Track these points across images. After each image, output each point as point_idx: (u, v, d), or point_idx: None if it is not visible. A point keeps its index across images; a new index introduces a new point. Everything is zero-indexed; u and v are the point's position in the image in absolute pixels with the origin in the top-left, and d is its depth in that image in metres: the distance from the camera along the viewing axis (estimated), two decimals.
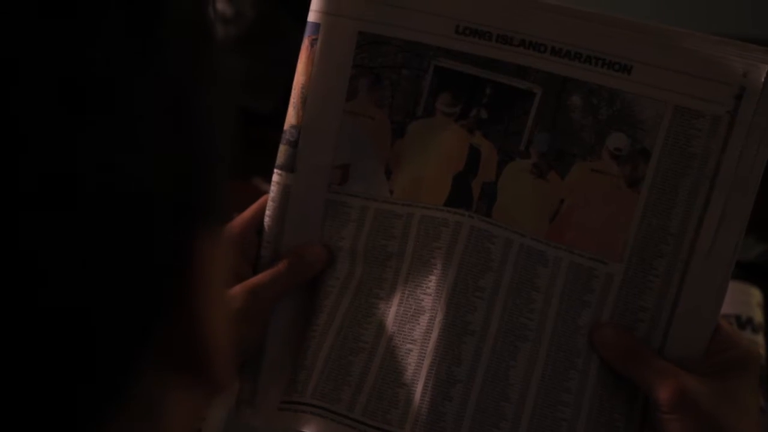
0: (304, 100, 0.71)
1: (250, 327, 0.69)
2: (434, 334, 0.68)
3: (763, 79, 0.65)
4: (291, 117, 0.72)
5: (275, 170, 0.71)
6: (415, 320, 0.69)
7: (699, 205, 0.66)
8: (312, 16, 0.70)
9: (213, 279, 0.36)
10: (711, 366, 0.66)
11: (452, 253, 0.69)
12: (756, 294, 1.00)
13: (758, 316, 1.00)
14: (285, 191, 0.71)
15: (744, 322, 0.97)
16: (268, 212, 0.71)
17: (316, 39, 0.70)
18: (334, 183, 0.71)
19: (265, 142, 1.23)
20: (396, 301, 0.69)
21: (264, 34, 1.25)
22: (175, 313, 0.35)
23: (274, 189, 0.71)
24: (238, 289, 0.68)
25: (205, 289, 0.35)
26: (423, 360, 0.68)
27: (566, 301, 0.68)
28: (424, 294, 0.69)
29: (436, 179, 0.70)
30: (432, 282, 0.69)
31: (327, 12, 0.69)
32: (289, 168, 0.71)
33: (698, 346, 0.67)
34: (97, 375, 0.33)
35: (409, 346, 0.69)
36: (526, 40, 0.68)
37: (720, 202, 0.66)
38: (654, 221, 0.67)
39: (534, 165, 0.69)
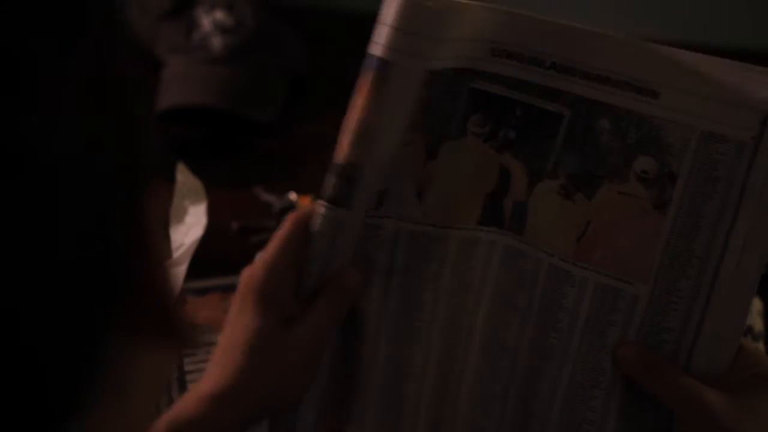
0: (365, 137, 0.68)
1: (310, 374, 0.67)
2: (474, 352, 0.70)
3: None
4: (349, 154, 0.67)
5: (325, 204, 0.67)
6: (457, 342, 0.70)
7: (724, 229, 0.67)
8: (380, 52, 0.67)
9: (157, 237, 0.37)
10: (734, 383, 0.66)
11: (487, 272, 0.70)
12: (756, 303, 1.00)
13: (758, 325, 1.00)
14: (336, 225, 0.68)
15: (744, 331, 0.97)
16: (314, 245, 0.68)
17: (383, 77, 0.67)
18: (370, 207, 0.69)
19: (265, 151, 1.23)
20: (439, 323, 0.70)
21: (263, 45, 1.25)
22: (132, 273, 0.36)
23: (322, 222, 0.68)
24: (306, 334, 0.65)
25: (155, 246, 0.37)
26: (464, 377, 0.70)
27: (592, 320, 0.69)
28: (464, 314, 0.70)
29: (468, 199, 0.71)
30: (470, 301, 0.70)
31: (400, 50, 0.67)
32: (344, 204, 0.68)
33: (722, 363, 0.67)
34: (64, 346, 0.33)
35: (456, 366, 0.70)
36: (557, 63, 0.68)
37: (745, 226, 0.67)
38: (680, 243, 0.68)
39: (561, 186, 0.70)
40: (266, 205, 1.07)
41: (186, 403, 0.64)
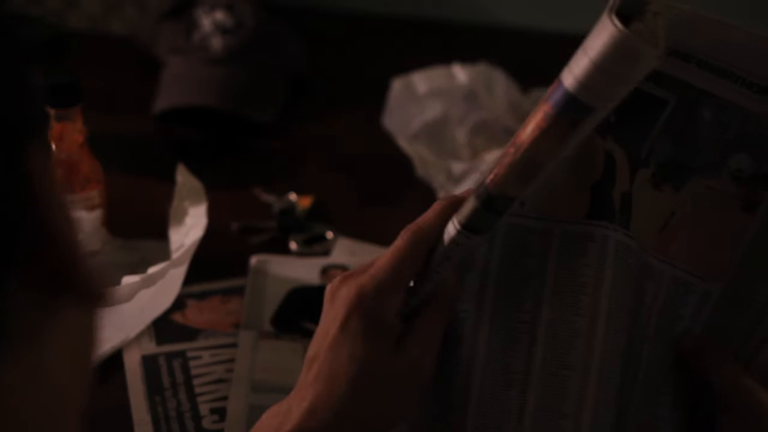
0: (531, 172, 0.59)
1: (415, 398, 0.63)
2: (596, 359, 0.64)
3: None
4: (506, 186, 0.59)
5: (461, 231, 0.61)
6: (569, 344, 0.64)
7: None
8: (575, 89, 0.55)
9: (52, 192, 0.38)
10: None
11: (603, 270, 0.64)
12: None
13: None
14: (466, 251, 0.63)
15: None
16: (435, 266, 0.63)
17: (574, 121, 0.56)
18: None
19: (265, 151, 1.23)
20: (543, 324, 0.65)
21: (263, 45, 1.25)
22: (29, 229, 0.36)
23: (453, 248, 0.62)
24: (413, 359, 0.61)
25: (50, 201, 0.37)
26: (587, 386, 0.64)
27: (664, 314, 0.66)
28: (577, 316, 0.64)
29: (574, 189, 0.65)
30: (584, 303, 0.64)
31: (600, 95, 0.55)
32: (483, 232, 0.62)
33: None
34: None
35: (566, 372, 0.64)
36: (677, 50, 0.62)
37: None
38: (764, 247, 0.65)
39: (652, 174, 0.66)
40: (266, 205, 1.07)
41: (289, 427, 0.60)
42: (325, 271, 0.98)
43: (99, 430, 0.67)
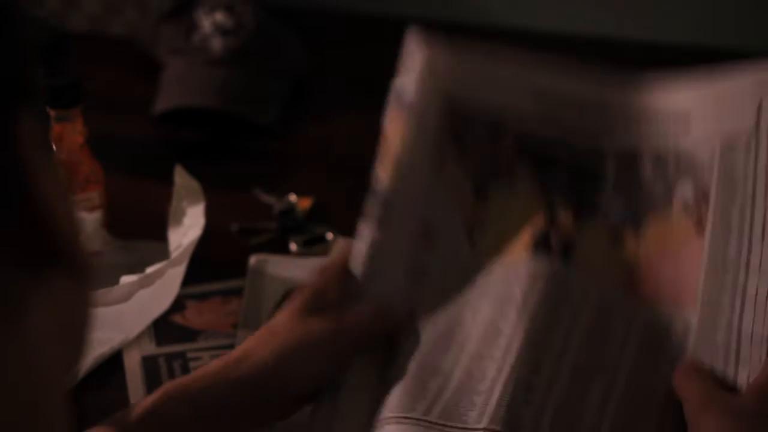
0: (396, 164, 0.76)
1: (329, 365, 0.71)
2: (514, 349, 0.69)
3: None
4: (383, 179, 0.76)
5: (365, 224, 0.75)
6: (494, 342, 0.70)
7: (747, 225, 0.68)
8: (403, 80, 0.75)
9: (42, 160, 0.37)
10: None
11: (534, 289, 0.71)
12: None
13: None
14: (374, 246, 0.75)
15: None
16: (357, 262, 0.74)
17: (406, 105, 0.75)
18: (419, 241, 0.74)
19: (265, 153, 1.23)
20: (476, 331, 0.71)
21: (263, 46, 1.25)
22: (12, 199, 0.35)
23: (362, 243, 0.75)
24: (329, 326, 0.71)
25: (36, 170, 0.36)
26: (502, 370, 0.68)
27: (644, 347, 0.70)
28: (505, 322, 0.70)
29: (517, 239, 0.74)
30: (512, 314, 0.70)
31: (419, 77, 0.75)
32: (379, 225, 0.75)
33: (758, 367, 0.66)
34: None
35: (487, 363, 0.69)
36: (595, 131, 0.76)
37: (760, 215, 0.68)
38: (717, 256, 0.69)
39: (611, 227, 0.73)
40: (266, 206, 1.07)
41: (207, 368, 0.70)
42: None
43: None
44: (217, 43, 1.21)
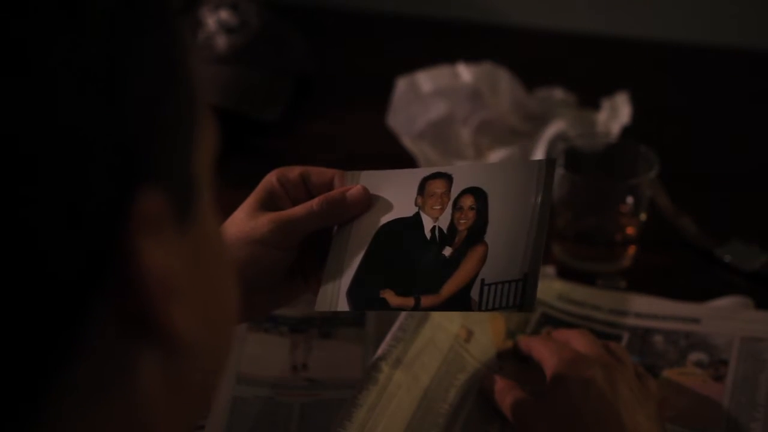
0: None
1: (277, 252, 0.75)
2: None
3: None
4: None
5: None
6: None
7: None
8: None
9: (161, 233, 0.36)
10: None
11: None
12: (749, 305, 1.00)
13: None
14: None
15: None
16: None
17: None
18: None
19: (271, 150, 1.23)
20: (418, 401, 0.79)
21: (268, 44, 1.25)
22: (120, 265, 0.34)
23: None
24: (264, 218, 0.75)
25: (148, 243, 0.35)
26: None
27: None
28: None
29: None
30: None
31: None
32: None
33: None
34: (45, 322, 0.32)
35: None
36: (614, 309, 0.92)
37: None
38: (742, 399, 0.81)
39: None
40: None
41: None
42: None
43: None
44: (221, 41, 1.22)
